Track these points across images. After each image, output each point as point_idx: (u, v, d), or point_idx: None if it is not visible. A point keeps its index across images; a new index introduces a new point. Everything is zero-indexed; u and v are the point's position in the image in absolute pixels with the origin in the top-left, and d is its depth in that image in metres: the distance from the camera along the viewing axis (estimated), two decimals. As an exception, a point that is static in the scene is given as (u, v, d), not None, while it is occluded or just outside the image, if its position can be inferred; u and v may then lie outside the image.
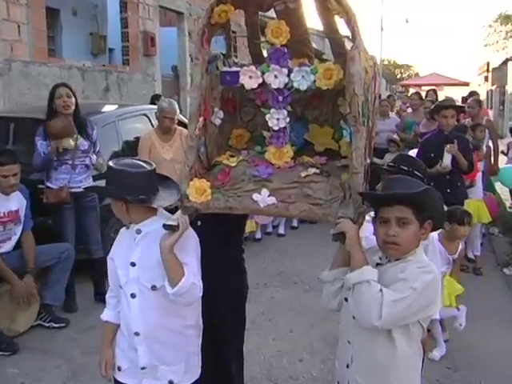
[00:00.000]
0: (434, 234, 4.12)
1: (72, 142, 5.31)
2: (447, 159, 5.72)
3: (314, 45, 3.26)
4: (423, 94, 11.35)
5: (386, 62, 69.96)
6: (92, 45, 14.58)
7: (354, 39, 2.54)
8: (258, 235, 8.21)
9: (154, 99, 10.46)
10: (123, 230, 2.80)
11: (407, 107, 11.28)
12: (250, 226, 7.42)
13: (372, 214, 2.52)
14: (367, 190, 2.69)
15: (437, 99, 10.35)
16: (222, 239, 3.23)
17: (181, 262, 2.52)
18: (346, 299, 2.45)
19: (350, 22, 2.54)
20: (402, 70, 79.12)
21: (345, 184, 2.61)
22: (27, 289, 4.93)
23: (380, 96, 12.08)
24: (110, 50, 15.28)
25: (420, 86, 26.96)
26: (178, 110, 6.15)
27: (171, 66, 15.81)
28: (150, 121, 7.23)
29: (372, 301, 2.16)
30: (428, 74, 32.84)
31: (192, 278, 2.51)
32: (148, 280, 2.62)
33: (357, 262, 2.27)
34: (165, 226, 2.51)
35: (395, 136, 9.12)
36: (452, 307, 4.67)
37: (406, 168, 3.41)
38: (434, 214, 2.37)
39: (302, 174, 2.75)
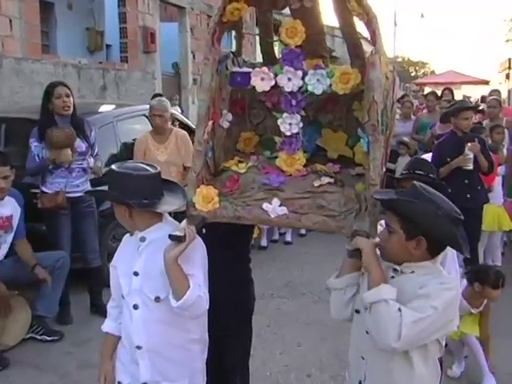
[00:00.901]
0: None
1: (70, 155, 5.30)
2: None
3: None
4: (439, 93, 11.33)
5: (399, 59, 69.97)
6: (88, 41, 14.65)
7: (375, 43, 2.56)
8: (264, 243, 8.20)
9: (154, 99, 10.51)
10: (127, 236, 2.82)
11: (423, 107, 11.21)
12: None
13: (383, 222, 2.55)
14: None
15: (453, 98, 10.28)
16: (229, 248, 3.24)
17: (186, 273, 2.54)
18: (358, 311, 2.47)
19: (371, 25, 2.56)
20: (417, 68, 79.11)
21: (360, 195, 2.63)
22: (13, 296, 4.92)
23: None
24: (108, 47, 15.35)
25: (436, 84, 26.87)
26: (168, 108, 6.19)
27: (172, 63, 15.86)
28: (150, 122, 7.24)
29: (390, 321, 2.16)
30: (444, 72, 32.76)
31: (198, 291, 2.52)
32: (151, 291, 2.64)
33: (374, 280, 2.27)
34: (171, 237, 2.52)
35: (405, 138, 9.11)
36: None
37: (421, 172, 3.45)
38: (429, 232, 2.28)
39: (315, 184, 2.77)
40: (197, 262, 2.63)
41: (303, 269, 7.31)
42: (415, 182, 2.41)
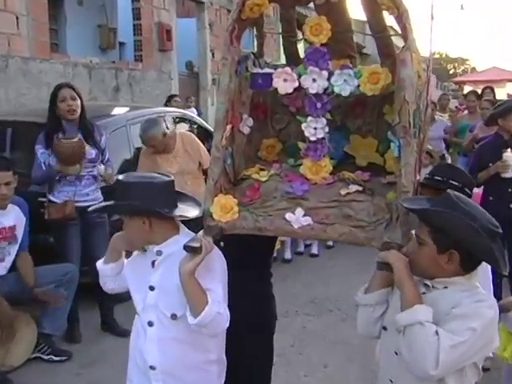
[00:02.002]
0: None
1: (77, 170, 5.32)
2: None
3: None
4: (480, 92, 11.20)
5: (436, 56, 69.53)
6: (100, 39, 14.78)
7: (406, 39, 2.57)
8: (288, 255, 8.18)
9: (171, 100, 10.59)
10: (135, 254, 2.86)
11: (464, 108, 11.08)
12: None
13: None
14: None
15: (494, 98, 10.12)
16: (248, 262, 3.26)
17: (204, 287, 2.56)
18: (385, 328, 2.47)
19: (402, 19, 2.57)
20: (456, 65, 78.58)
21: (391, 204, 2.63)
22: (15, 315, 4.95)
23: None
24: (121, 45, 15.48)
25: (477, 82, 26.63)
26: (157, 134, 6.04)
27: (186, 61, 15.94)
28: (166, 125, 7.27)
29: (427, 346, 2.12)
30: (487, 69, 32.54)
31: (217, 307, 2.54)
32: (168, 307, 2.66)
33: (408, 299, 2.24)
34: (186, 248, 2.54)
35: (429, 146, 9.01)
36: None
37: (440, 178, 3.35)
38: (463, 245, 2.25)
39: (342, 192, 2.78)
40: (216, 275, 2.65)
41: (330, 283, 7.29)
42: (449, 190, 2.40)
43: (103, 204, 3.22)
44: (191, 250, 2.54)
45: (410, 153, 2.53)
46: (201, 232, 2.72)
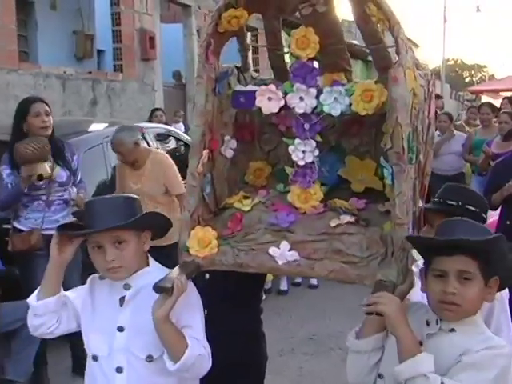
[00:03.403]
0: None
1: (48, 168, 5.30)
2: None
3: (356, 42, 3.30)
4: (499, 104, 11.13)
5: (450, 62, 69.98)
6: (75, 47, 14.81)
7: (399, 53, 2.57)
8: (284, 286, 8.17)
9: (153, 114, 10.61)
10: (95, 279, 2.80)
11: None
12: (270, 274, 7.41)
13: (420, 263, 2.53)
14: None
15: (515, 110, 10.06)
16: (235, 296, 3.25)
17: (182, 325, 2.55)
18: (381, 375, 2.44)
19: (393, 32, 2.57)
20: (472, 72, 79.15)
21: (387, 237, 2.62)
22: None
23: (443, 107, 11.98)
24: (99, 53, 15.54)
25: (496, 92, 26.69)
26: (125, 142, 6.09)
27: (173, 71, 15.99)
28: (147, 141, 7.27)
29: None
30: (507, 77, 32.63)
31: (198, 349, 2.52)
32: (142, 349, 2.62)
33: (406, 349, 2.21)
34: (156, 289, 2.51)
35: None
36: None
37: (454, 203, 3.26)
38: (502, 269, 2.33)
39: (333, 224, 2.77)
40: (194, 309, 2.65)
41: (331, 319, 7.23)
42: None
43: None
44: (162, 290, 2.50)
45: (405, 180, 2.52)
46: (175, 269, 2.69)
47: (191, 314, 2.62)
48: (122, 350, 2.64)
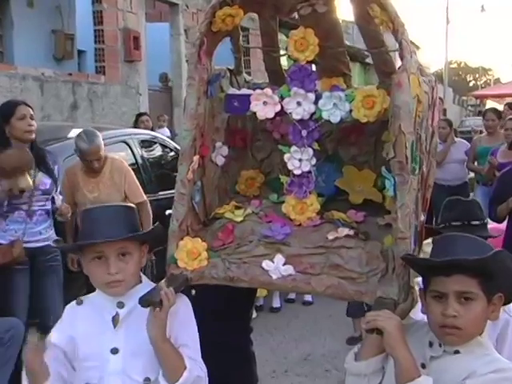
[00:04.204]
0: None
1: (30, 180, 5.28)
2: None
3: (348, 43, 3.32)
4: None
5: (453, 65, 70.21)
6: (54, 47, 14.65)
7: (402, 58, 2.58)
8: (276, 303, 8.12)
9: (138, 119, 10.58)
10: (72, 307, 2.76)
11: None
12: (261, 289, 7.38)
13: (419, 280, 2.52)
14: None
15: (520, 115, 10.04)
16: (223, 314, 3.27)
17: (179, 344, 2.56)
18: None
19: (397, 35, 2.58)
20: (477, 76, 79.41)
21: (387, 252, 2.63)
22: None
23: (445, 112, 12.03)
24: (79, 54, 15.42)
25: (501, 97, 26.74)
26: (102, 145, 6.03)
27: (160, 74, 15.98)
28: (132, 149, 7.24)
29: None
30: (513, 80, 32.74)
31: (196, 371, 2.54)
32: (139, 371, 2.60)
33: (405, 372, 2.21)
34: (142, 302, 2.51)
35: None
36: None
37: (459, 223, 3.33)
38: (506, 284, 2.32)
39: (330, 237, 2.78)
40: (189, 325, 2.66)
41: (327, 338, 7.20)
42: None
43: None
44: (149, 303, 2.50)
45: (407, 192, 2.53)
46: (162, 282, 2.69)
47: (188, 332, 2.63)
48: (118, 373, 2.61)
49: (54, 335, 2.69)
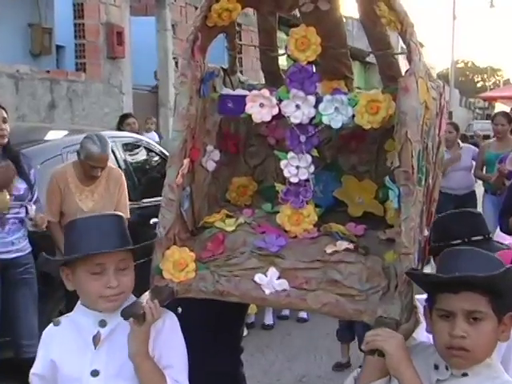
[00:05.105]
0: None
1: (8, 201, 5.26)
2: None
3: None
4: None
5: (460, 65, 70.35)
6: (31, 42, 14.65)
7: (410, 61, 2.58)
8: (269, 320, 8.12)
9: (124, 121, 10.54)
10: (50, 330, 2.75)
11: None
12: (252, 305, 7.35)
13: (419, 297, 2.54)
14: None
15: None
16: (211, 333, 3.26)
17: (164, 365, 2.55)
18: None
19: (405, 36, 2.58)
20: (485, 76, 79.62)
21: (389, 268, 2.63)
22: None
23: (451, 115, 12.03)
24: (58, 50, 15.41)
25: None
26: (109, 155, 6.10)
27: (154, 71, 15.93)
28: (114, 153, 7.21)
29: None
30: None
31: None
32: None
33: None
34: (124, 314, 2.50)
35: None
36: None
37: (459, 241, 3.26)
38: None
39: (328, 250, 2.77)
40: (175, 345, 2.65)
41: (323, 357, 7.20)
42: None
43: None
44: (131, 316, 2.49)
45: (413, 204, 2.53)
46: (145, 294, 2.68)
47: (173, 351, 2.62)
48: None
49: (34, 365, 2.72)
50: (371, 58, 21.18)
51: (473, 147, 10.13)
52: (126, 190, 6.31)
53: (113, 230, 2.59)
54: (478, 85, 76.84)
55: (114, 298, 2.56)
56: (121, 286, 2.55)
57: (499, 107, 20.55)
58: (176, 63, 15.57)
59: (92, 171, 5.95)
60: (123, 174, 6.41)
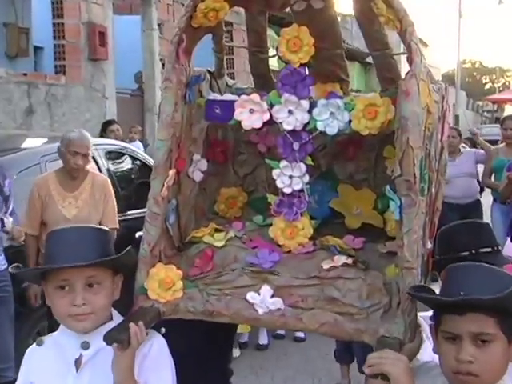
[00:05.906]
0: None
1: None
2: None
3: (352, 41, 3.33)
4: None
5: (466, 65, 70.56)
6: (7, 43, 14.68)
7: (411, 62, 2.58)
8: (263, 339, 8.11)
9: (107, 128, 10.53)
10: (32, 350, 2.75)
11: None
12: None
13: (423, 315, 2.54)
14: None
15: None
16: (199, 355, 3.24)
17: None
18: None
19: (405, 36, 2.58)
20: (494, 77, 79.79)
21: (391, 284, 2.63)
22: None
23: (457, 119, 12.09)
24: (36, 51, 15.43)
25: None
26: (91, 145, 6.10)
27: (135, 74, 15.95)
28: (96, 161, 7.21)
29: None
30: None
31: None
32: None
33: None
34: (107, 339, 2.49)
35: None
36: None
37: (467, 253, 3.26)
38: None
39: (325, 265, 2.77)
40: (162, 369, 2.64)
41: (322, 379, 7.22)
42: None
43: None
44: (114, 341, 2.48)
45: (416, 215, 2.53)
46: (130, 316, 2.68)
47: (160, 376, 2.61)
48: None
49: None
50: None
51: (474, 150, 10.13)
52: (114, 198, 6.29)
53: (84, 243, 2.55)
54: (486, 86, 77.11)
55: (82, 317, 2.53)
56: (89, 306, 2.52)
57: (509, 110, 20.63)
58: (163, 65, 15.57)
59: (74, 159, 5.90)
60: (109, 181, 6.39)
